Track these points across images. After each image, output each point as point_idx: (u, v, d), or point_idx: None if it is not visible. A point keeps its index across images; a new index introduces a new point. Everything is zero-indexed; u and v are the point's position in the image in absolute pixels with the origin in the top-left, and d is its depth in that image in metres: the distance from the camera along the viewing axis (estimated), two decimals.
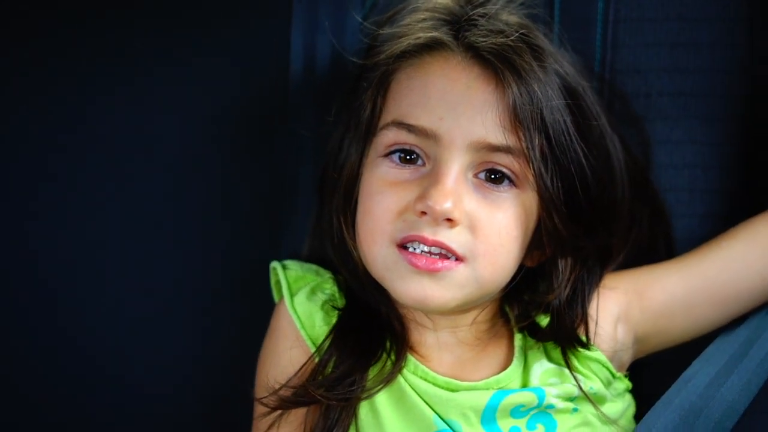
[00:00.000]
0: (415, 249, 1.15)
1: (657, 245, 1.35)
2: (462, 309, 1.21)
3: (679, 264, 1.28)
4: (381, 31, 1.24)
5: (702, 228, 1.38)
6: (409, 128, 1.16)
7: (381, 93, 1.21)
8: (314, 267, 1.33)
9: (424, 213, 1.13)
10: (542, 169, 1.15)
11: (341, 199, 1.23)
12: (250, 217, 1.44)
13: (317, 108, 1.39)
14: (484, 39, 1.16)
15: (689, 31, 1.37)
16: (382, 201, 1.17)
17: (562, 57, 1.24)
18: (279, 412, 1.21)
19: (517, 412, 1.19)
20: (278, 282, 1.30)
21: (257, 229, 1.43)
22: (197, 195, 1.43)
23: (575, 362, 1.22)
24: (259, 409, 1.24)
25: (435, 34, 1.18)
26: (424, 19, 1.21)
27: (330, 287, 1.29)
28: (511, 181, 1.17)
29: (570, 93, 1.20)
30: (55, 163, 1.42)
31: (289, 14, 1.40)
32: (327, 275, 1.31)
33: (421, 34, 1.19)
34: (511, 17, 1.21)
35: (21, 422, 1.44)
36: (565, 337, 1.22)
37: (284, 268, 1.31)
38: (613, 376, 1.24)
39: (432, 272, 1.14)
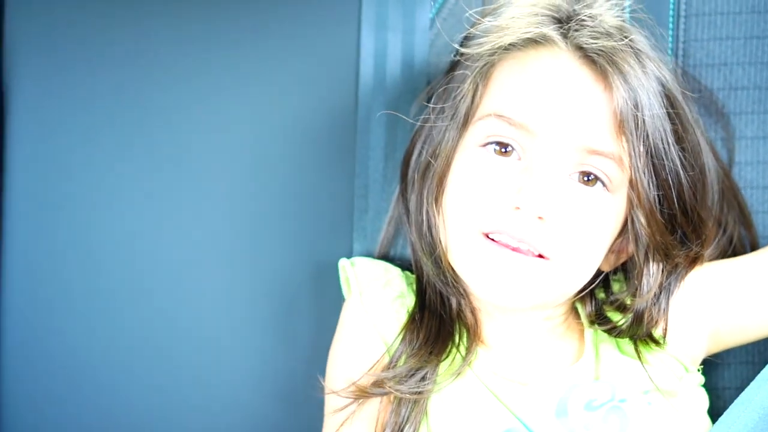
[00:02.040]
0: (501, 239, 1.14)
1: (742, 246, 1.34)
2: (537, 307, 1.20)
3: (755, 258, 1.26)
4: (484, 21, 1.23)
5: None
6: (510, 122, 1.16)
7: (482, 83, 1.21)
8: (383, 263, 1.34)
9: (517, 208, 1.13)
10: (642, 176, 1.15)
11: (434, 186, 1.23)
12: (324, 217, 1.44)
13: (387, 107, 1.40)
14: (594, 41, 1.15)
15: (764, 24, 1.35)
16: (476, 191, 1.17)
17: (662, 61, 1.22)
18: (353, 406, 1.21)
19: (590, 406, 1.18)
20: (348, 279, 1.31)
21: (331, 229, 1.43)
22: (273, 196, 1.44)
23: (647, 356, 1.21)
24: (331, 405, 1.24)
25: (544, 30, 1.17)
26: (531, 14, 1.20)
27: (399, 283, 1.29)
28: (604, 184, 1.16)
29: (669, 100, 1.19)
30: (133, 166, 1.44)
31: (358, 14, 1.41)
32: (396, 271, 1.32)
33: (529, 29, 1.18)
34: (612, 19, 1.20)
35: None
36: (643, 335, 1.21)
37: (353, 265, 1.32)
38: (686, 370, 1.23)
39: (515, 252, 1.13)
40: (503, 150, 1.17)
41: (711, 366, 1.29)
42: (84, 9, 1.43)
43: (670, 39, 1.38)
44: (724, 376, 1.35)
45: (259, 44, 1.43)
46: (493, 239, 1.15)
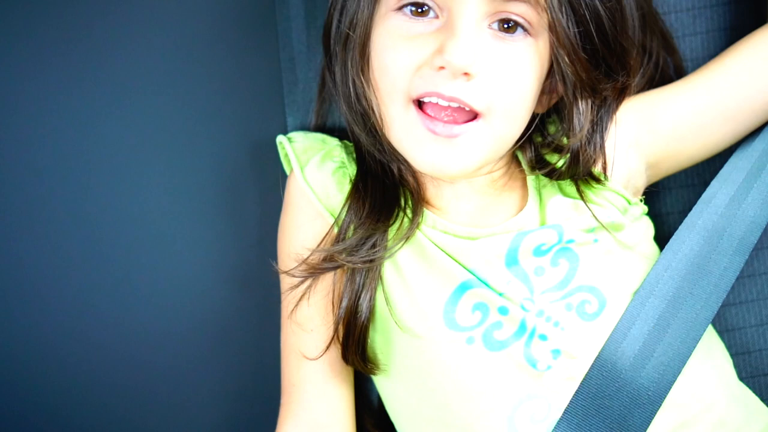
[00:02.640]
0: (432, 102, 1.13)
1: (668, 71, 1.34)
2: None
3: (685, 84, 1.26)
4: None
5: (707, 45, 1.36)
6: None
7: None
8: (320, 136, 1.33)
9: (441, 67, 1.12)
10: (559, 16, 1.13)
11: (357, 57, 1.20)
12: (254, 95, 1.42)
13: None
14: None
15: None
16: (398, 57, 1.15)
17: None
18: (308, 283, 1.22)
19: (538, 251, 1.20)
20: (287, 155, 1.30)
21: (263, 106, 1.42)
22: (199, 81, 1.40)
23: (590, 194, 1.22)
24: (285, 284, 1.26)
25: None
26: None
27: (339, 154, 1.29)
28: (524, 29, 1.15)
29: None
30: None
31: None
32: (334, 142, 1.31)
33: None
34: None
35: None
36: (583, 174, 1.22)
37: (290, 140, 1.31)
38: (629, 203, 1.24)
39: (450, 138, 1.14)
40: (419, 10, 1.15)
41: (652, 193, 1.31)
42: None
43: None
44: (666, 201, 1.38)
45: None
46: (424, 110, 1.14)
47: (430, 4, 1.15)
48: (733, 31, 1.34)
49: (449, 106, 1.14)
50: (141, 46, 1.40)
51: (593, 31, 1.15)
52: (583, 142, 1.21)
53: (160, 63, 1.41)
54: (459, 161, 1.16)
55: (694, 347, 1.17)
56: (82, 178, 1.40)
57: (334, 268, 1.22)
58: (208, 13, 1.41)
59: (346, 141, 1.31)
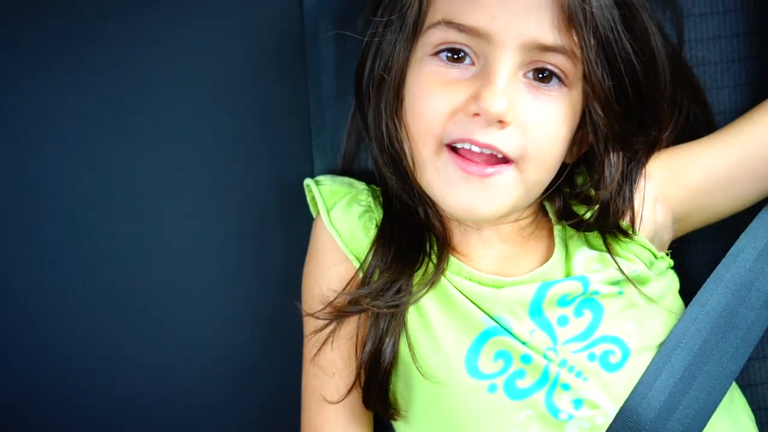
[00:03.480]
0: (465, 147, 1.14)
1: (698, 125, 1.34)
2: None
3: (714, 139, 1.26)
4: None
5: (734, 99, 1.36)
6: (460, 27, 1.14)
7: None
8: (347, 180, 1.33)
9: (476, 114, 1.13)
10: (595, 68, 1.14)
11: (392, 100, 1.21)
12: (282, 138, 1.43)
13: (334, 22, 1.38)
14: None
15: None
16: (433, 102, 1.16)
17: None
18: (332, 327, 1.23)
19: (563, 301, 1.20)
20: (314, 198, 1.31)
21: (291, 149, 1.43)
22: (230, 125, 1.42)
23: (616, 247, 1.22)
24: (309, 327, 1.26)
25: None
26: None
27: (365, 198, 1.29)
28: (559, 79, 1.15)
29: None
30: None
31: None
32: (361, 186, 1.32)
33: None
34: None
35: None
36: (610, 226, 1.22)
37: (318, 183, 1.32)
38: (655, 257, 1.24)
39: (482, 178, 1.14)
40: (455, 56, 1.16)
41: (677, 245, 1.31)
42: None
43: None
44: (691, 253, 1.37)
45: None
46: (458, 152, 1.15)
47: (467, 50, 1.15)
48: (760, 86, 1.35)
49: (482, 152, 1.14)
50: (172, 85, 1.42)
51: (628, 84, 1.16)
52: (613, 195, 1.21)
53: (191, 102, 1.42)
54: (490, 203, 1.15)
55: (720, 401, 1.16)
56: (107, 222, 1.42)
57: (359, 312, 1.22)
58: (239, 55, 1.42)
59: (373, 185, 1.32)
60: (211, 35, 1.42)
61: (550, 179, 1.20)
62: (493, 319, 1.19)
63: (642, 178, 1.23)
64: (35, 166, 1.40)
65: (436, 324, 1.21)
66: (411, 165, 1.20)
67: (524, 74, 1.15)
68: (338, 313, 1.22)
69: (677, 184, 1.25)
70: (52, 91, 1.40)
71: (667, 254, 1.26)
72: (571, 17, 1.12)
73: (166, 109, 1.42)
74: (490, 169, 1.14)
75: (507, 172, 1.15)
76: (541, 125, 1.15)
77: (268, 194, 1.42)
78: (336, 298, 1.22)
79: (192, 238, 1.43)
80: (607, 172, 1.20)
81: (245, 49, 1.42)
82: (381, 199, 1.28)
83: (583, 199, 1.24)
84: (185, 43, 1.42)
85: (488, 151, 1.14)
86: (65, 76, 1.40)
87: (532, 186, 1.18)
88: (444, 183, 1.16)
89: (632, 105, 1.18)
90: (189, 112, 1.42)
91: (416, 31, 1.19)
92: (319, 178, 1.33)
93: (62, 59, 1.40)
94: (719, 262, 1.23)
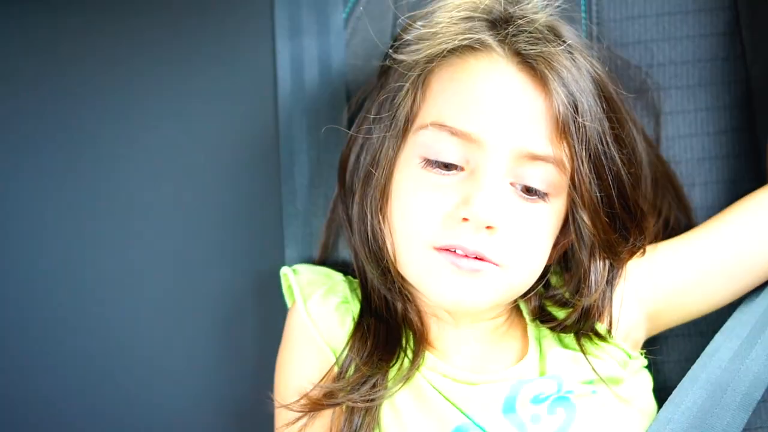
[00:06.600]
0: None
1: (679, 228, 1.35)
2: (487, 309, 1.21)
3: (687, 239, 1.27)
4: (416, 27, 1.21)
5: (711, 196, 1.38)
6: (452, 131, 1.15)
7: (420, 91, 1.19)
8: (324, 270, 1.33)
9: (465, 219, 1.13)
10: (584, 179, 1.15)
11: (377, 197, 1.21)
12: (254, 226, 1.43)
13: (308, 113, 1.39)
14: (532, 47, 1.14)
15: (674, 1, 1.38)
16: (422, 205, 1.16)
17: (591, 55, 1.23)
18: (305, 419, 1.21)
19: (536, 399, 1.19)
20: (290, 287, 1.30)
21: (262, 238, 1.42)
22: (201, 210, 1.42)
23: (590, 347, 1.22)
24: (282, 418, 1.24)
25: (480, 36, 1.16)
26: (464, 18, 1.18)
27: (342, 289, 1.29)
28: (545, 196, 1.16)
29: (606, 100, 1.19)
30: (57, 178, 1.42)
31: (271, 20, 1.39)
32: (338, 277, 1.31)
33: (465, 35, 1.16)
34: (542, 17, 1.18)
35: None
36: (587, 329, 1.22)
37: (295, 272, 1.31)
38: (629, 356, 1.24)
39: (472, 271, 1.14)
40: (446, 166, 1.16)
41: (648, 341, 1.31)
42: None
43: (583, 22, 1.38)
44: (662, 350, 1.37)
45: (173, 59, 1.41)
46: (446, 249, 1.15)
47: (457, 159, 1.15)
48: (735, 184, 1.37)
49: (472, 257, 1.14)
50: (144, 172, 1.42)
51: (614, 195, 1.17)
52: (597, 301, 1.21)
53: (164, 190, 1.42)
54: (476, 295, 1.15)
55: None
56: (83, 319, 1.42)
57: (334, 406, 1.20)
58: (213, 143, 1.43)
59: (350, 276, 1.31)
60: (186, 125, 1.42)
61: (534, 281, 1.20)
62: (465, 416, 1.18)
63: (622, 280, 1.23)
64: None
65: (408, 420, 1.19)
66: (393, 259, 1.20)
67: (511, 184, 1.15)
68: (313, 406, 1.20)
69: (652, 282, 1.25)
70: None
71: (642, 353, 1.26)
72: (564, 129, 1.13)
73: (138, 196, 1.41)
74: (479, 264, 1.14)
75: (494, 272, 1.15)
76: (527, 234, 1.16)
77: (238, 282, 1.41)
78: (312, 390, 1.20)
79: (164, 325, 1.41)
80: (592, 280, 1.21)
81: (219, 138, 1.42)
82: (358, 292, 1.28)
83: (557, 301, 1.24)
84: (158, 131, 1.42)
85: (478, 257, 1.14)
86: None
87: (515, 287, 1.19)
88: (433, 277, 1.16)
89: (617, 213, 1.19)
90: (161, 199, 1.42)
91: (406, 129, 1.20)
92: (296, 266, 1.33)
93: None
94: (689, 359, 1.22)
